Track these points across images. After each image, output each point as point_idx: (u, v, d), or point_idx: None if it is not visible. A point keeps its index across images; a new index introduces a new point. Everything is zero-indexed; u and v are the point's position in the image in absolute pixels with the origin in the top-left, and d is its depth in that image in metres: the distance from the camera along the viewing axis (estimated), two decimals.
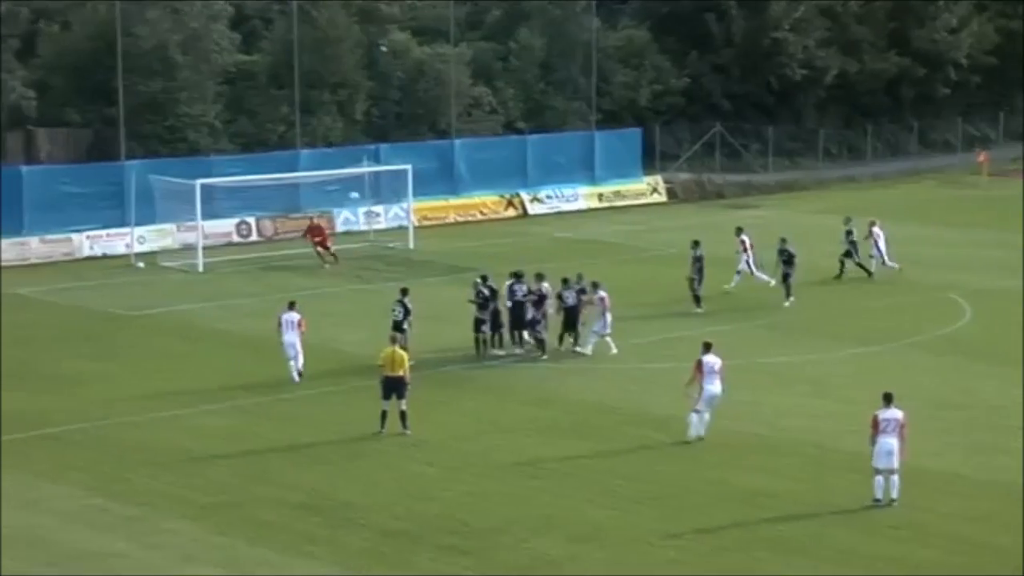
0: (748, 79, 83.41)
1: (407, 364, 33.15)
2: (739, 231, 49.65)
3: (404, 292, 39.57)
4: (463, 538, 27.13)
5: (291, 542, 26.90)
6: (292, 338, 37.85)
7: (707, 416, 32.57)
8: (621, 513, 28.44)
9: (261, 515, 28.29)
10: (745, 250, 48.87)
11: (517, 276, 41.20)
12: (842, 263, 51.37)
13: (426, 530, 27.50)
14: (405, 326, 38.32)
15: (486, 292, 40.77)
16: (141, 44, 64.65)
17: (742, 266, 48.69)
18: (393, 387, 32.94)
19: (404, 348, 34.08)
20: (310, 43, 68.59)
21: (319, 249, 55.25)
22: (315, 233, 55.85)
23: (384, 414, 32.99)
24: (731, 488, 29.82)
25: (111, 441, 33.09)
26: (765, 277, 48.28)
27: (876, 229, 51.88)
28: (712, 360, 32.83)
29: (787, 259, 47.46)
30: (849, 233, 51.53)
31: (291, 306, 38.48)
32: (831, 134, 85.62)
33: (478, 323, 40.68)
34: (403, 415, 32.94)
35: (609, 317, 40.30)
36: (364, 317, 46.03)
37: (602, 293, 40.44)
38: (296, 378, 37.77)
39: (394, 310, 38.87)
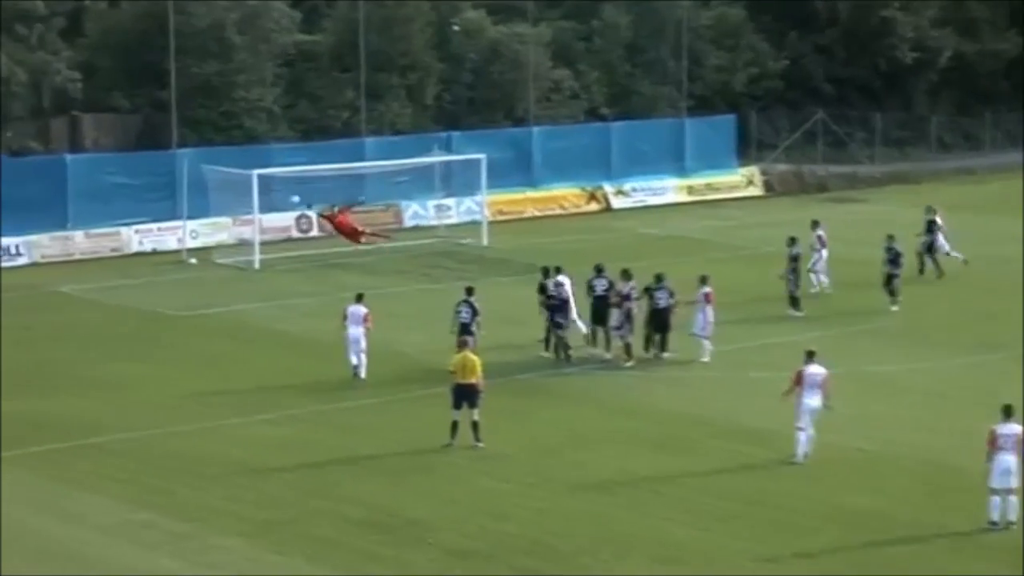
0: (853, 62, 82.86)
1: (480, 370, 33.11)
2: (815, 225, 49.33)
3: (470, 292, 39.57)
4: (540, 559, 27.03)
5: (352, 561, 26.91)
6: (357, 333, 38.42)
7: (811, 432, 32.25)
8: (709, 534, 28.25)
9: (320, 532, 28.31)
10: (822, 247, 48.64)
11: (598, 270, 41.30)
12: (922, 258, 51.39)
13: (500, 550, 27.42)
14: (473, 328, 38.30)
15: (554, 289, 40.88)
16: (195, 23, 65.07)
17: (816, 265, 48.59)
18: (465, 395, 32.87)
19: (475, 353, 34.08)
20: (377, 22, 68.76)
21: (363, 239, 55.11)
22: (345, 229, 55.01)
23: (455, 425, 32.93)
24: (831, 507, 29.55)
25: (158, 451, 33.25)
26: (824, 280, 48.46)
27: (938, 220, 51.95)
28: (815, 371, 32.42)
29: (893, 259, 47.13)
30: (932, 224, 51.71)
31: (359, 299, 39.09)
32: (944, 122, 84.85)
33: (556, 325, 40.56)
34: (475, 426, 32.89)
35: (710, 314, 40.21)
36: (432, 319, 45.95)
37: (707, 288, 40.37)
38: (361, 374, 38.35)
39: (460, 312, 38.87)
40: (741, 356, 40.92)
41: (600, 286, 40.81)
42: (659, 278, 40.82)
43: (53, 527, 28.47)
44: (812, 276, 48.37)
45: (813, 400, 32.22)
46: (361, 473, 31.71)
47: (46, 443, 33.49)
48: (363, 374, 38.65)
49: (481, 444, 32.82)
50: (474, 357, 33.34)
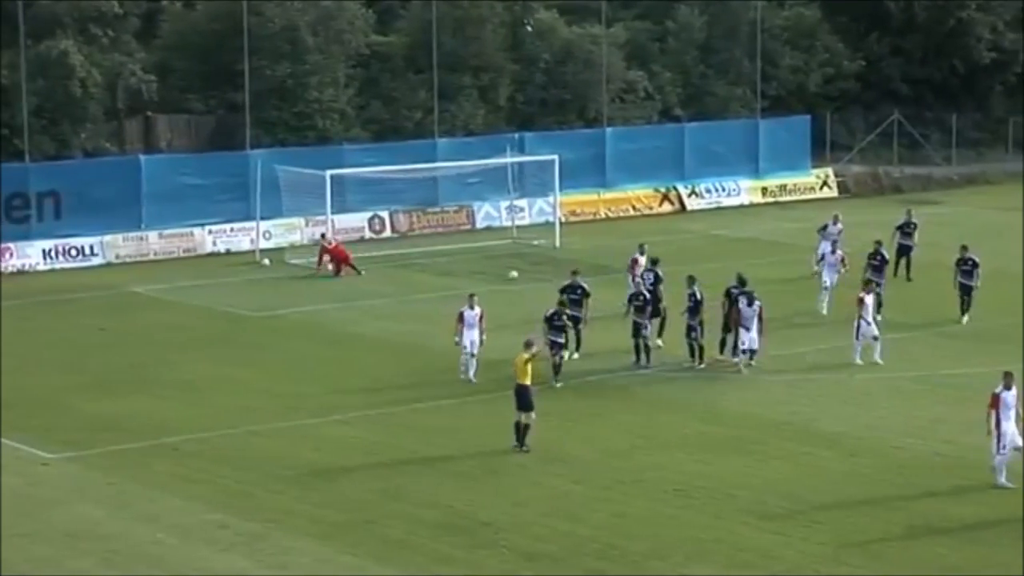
0: (930, 62, 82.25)
1: (528, 370, 32.97)
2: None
3: (576, 272, 41.18)
4: (612, 563, 26.99)
5: (425, 563, 26.95)
6: (472, 336, 38.48)
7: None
8: (788, 539, 28.10)
9: (393, 534, 28.38)
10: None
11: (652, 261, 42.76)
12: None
13: (572, 554, 27.39)
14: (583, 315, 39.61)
15: (647, 289, 40.77)
16: (269, 24, 65.38)
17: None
18: (517, 396, 33.07)
19: (533, 355, 33.48)
20: (450, 23, 68.86)
21: (341, 266, 53.64)
22: (337, 256, 54.06)
23: (517, 426, 33.04)
24: (916, 515, 29.32)
25: (233, 452, 33.43)
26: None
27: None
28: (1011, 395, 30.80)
29: (969, 268, 45.32)
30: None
31: (471, 301, 39.06)
32: (1021, 123, 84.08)
33: (637, 327, 40.36)
34: (525, 429, 32.89)
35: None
36: (505, 320, 46.01)
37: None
38: (472, 377, 38.45)
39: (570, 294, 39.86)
40: (815, 359, 40.65)
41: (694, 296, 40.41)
42: (743, 281, 40.49)
43: (128, 527, 28.66)
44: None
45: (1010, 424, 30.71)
46: (434, 475, 31.76)
47: (121, 443, 33.76)
48: (474, 377, 38.55)
49: (526, 448, 32.74)
50: (525, 356, 33.08)
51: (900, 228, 52.03)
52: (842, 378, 39.14)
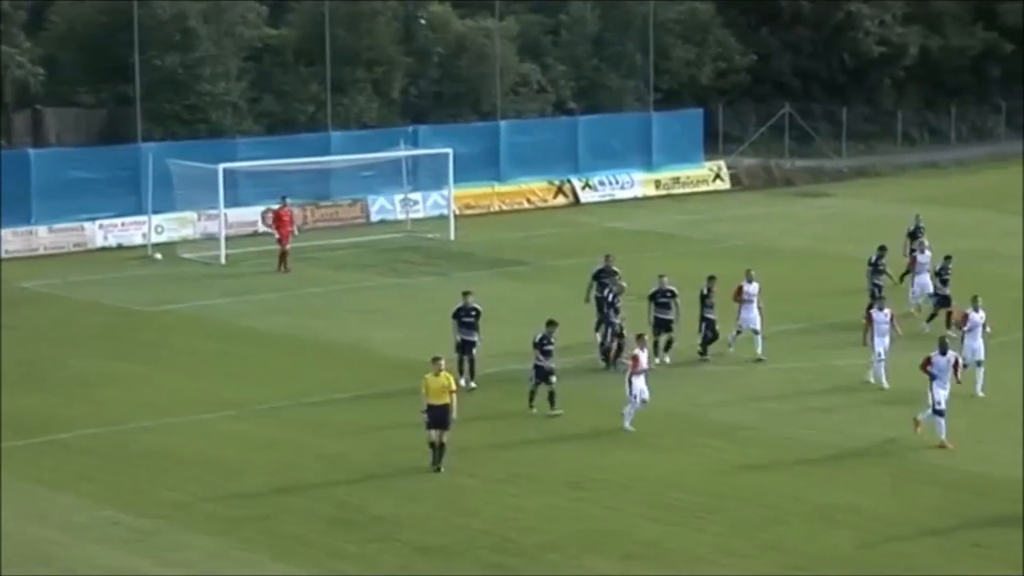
0: (819, 56, 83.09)
1: (443, 390, 31.33)
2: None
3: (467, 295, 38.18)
4: (508, 555, 27.00)
5: (318, 558, 26.83)
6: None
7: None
8: (680, 529, 28.25)
9: (287, 529, 28.24)
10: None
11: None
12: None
13: (467, 546, 27.38)
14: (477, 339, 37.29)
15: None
16: (158, 14, 64.79)
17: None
18: (433, 416, 31.34)
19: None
20: (342, 16, 68.62)
21: (281, 247, 52.80)
22: (281, 224, 53.45)
23: (432, 446, 31.46)
24: (804, 503, 29.58)
25: (125, 448, 33.11)
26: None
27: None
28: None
29: (946, 279, 43.86)
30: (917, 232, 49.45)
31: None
32: (910, 116, 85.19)
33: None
34: (441, 448, 31.49)
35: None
36: (399, 314, 46.01)
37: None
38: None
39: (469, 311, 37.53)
40: (710, 350, 40.85)
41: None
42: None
43: (18, 526, 28.26)
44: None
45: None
46: (328, 469, 31.62)
47: (10, 440, 33.28)
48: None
49: (442, 470, 31.38)
50: (438, 377, 31.42)
51: (911, 235, 49.60)
52: (738, 370, 39.39)
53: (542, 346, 35.51)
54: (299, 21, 70.82)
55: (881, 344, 37.35)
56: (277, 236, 53.25)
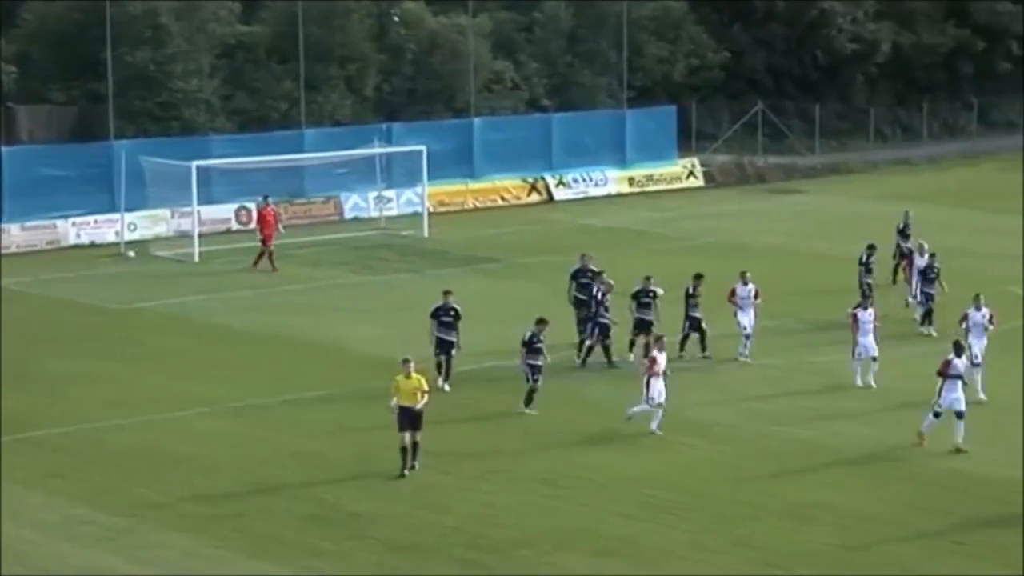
0: (792, 53, 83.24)
1: (415, 391, 31.09)
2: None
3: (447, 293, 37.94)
4: (481, 552, 27.05)
5: (293, 556, 26.84)
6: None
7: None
8: (653, 525, 28.34)
9: (262, 527, 28.23)
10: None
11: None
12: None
13: (441, 543, 27.42)
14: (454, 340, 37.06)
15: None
16: (130, 11, 64.61)
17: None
18: (407, 418, 31.10)
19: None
20: (315, 13, 68.52)
21: (264, 248, 52.53)
22: (264, 223, 53.21)
23: (403, 450, 31.18)
24: (776, 500, 29.68)
25: (98, 446, 33.05)
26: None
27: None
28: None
29: (935, 276, 43.52)
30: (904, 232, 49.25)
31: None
32: (883, 113, 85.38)
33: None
34: (415, 447, 31.23)
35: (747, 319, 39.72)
36: (373, 311, 46.01)
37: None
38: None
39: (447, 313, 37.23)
40: (690, 349, 40.91)
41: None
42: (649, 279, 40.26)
43: None
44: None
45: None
46: (303, 467, 31.62)
47: None
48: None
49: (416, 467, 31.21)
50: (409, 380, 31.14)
51: (900, 231, 49.46)
52: (711, 367, 39.46)
53: (531, 344, 35.37)
54: (272, 18, 70.70)
55: (864, 344, 37.11)
56: (261, 236, 53.00)
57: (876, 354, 37.16)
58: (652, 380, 33.57)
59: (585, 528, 28.14)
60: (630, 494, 29.97)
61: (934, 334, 41.92)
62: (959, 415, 32.16)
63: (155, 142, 60.49)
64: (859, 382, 37.29)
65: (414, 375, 31.05)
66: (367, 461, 31.80)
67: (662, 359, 34.02)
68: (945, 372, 32.25)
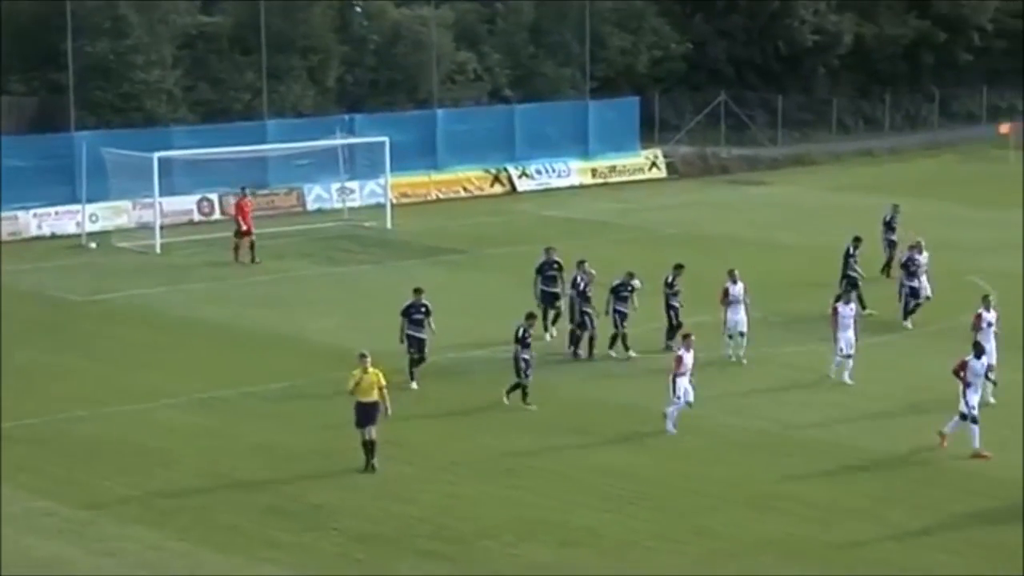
0: (755, 44, 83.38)
1: (373, 386, 30.82)
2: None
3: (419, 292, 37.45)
4: (445, 543, 27.07)
5: (256, 548, 26.80)
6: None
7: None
8: (615, 516, 28.40)
9: (224, 518, 28.20)
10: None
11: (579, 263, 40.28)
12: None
13: (404, 534, 27.43)
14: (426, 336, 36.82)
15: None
16: (88, 2, 64.27)
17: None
18: (365, 414, 30.90)
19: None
20: (277, 4, 68.33)
21: (243, 239, 52.30)
22: (244, 213, 52.84)
23: (365, 445, 30.94)
24: (737, 489, 29.79)
25: (60, 439, 32.95)
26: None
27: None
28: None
29: (915, 270, 43.09)
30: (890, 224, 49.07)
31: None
32: (845, 104, 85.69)
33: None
34: (373, 445, 30.96)
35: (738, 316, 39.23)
36: (336, 303, 45.96)
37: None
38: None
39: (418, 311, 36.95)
40: (646, 339, 40.95)
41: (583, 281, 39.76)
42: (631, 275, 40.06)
43: None
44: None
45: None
46: (265, 459, 31.58)
47: None
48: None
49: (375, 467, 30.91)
50: (369, 374, 30.86)
51: (887, 224, 49.28)
52: (668, 358, 39.50)
53: (524, 339, 35.25)
54: (234, 9, 70.46)
55: (844, 339, 36.76)
56: (243, 227, 52.61)
57: (852, 351, 36.74)
58: (678, 379, 33.19)
59: (548, 519, 28.18)
60: (593, 485, 30.03)
61: (908, 325, 42.11)
62: (974, 420, 31.26)
63: (116, 133, 60.31)
64: (834, 376, 37.05)
65: (371, 369, 30.80)
66: (329, 453, 31.77)
67: (688, 358, 33.58)
68: (963, 373, 31.27)
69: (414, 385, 36.48)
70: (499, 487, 29.96)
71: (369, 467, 30.69)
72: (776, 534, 27.48)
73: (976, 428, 31.34)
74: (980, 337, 34.72)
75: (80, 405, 35.20)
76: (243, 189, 54.46)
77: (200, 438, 33.08)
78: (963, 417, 31.40)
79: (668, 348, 39.71)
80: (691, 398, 33.35)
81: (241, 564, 26.17)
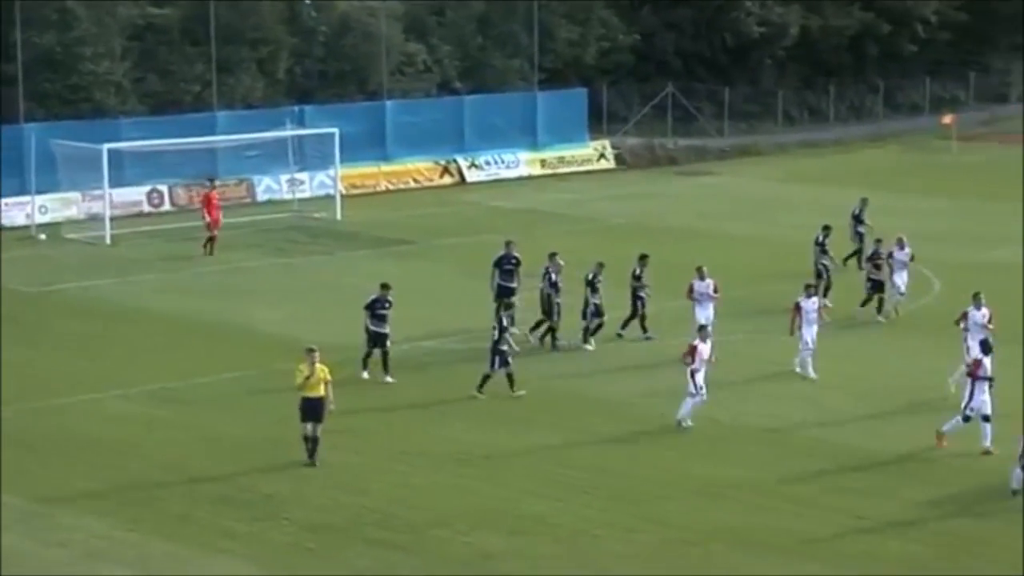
0: (702, 36, 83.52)
1: (320, 382, 30.55)
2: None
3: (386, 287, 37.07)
4: (395, 532, 27.05)
5: (207, 538, 26.73)
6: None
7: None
8: (566, 504, 28.44)
9: (175, 508, 28.11)
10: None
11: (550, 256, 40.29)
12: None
13: (355, 524, 27.40)
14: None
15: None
16: None
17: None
18: (312, 409, 30.62)
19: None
20: None
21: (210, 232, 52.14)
22: (211, 206, 52.63)
23: (306, 439, 30.68)
24: (688, 478, 29.87)
25: (9, 430, 32.71)
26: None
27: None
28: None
29: (879, 263, 42.89)
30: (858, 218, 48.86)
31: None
32: (790, 95, 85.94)
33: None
34: (315, 441, 30.66)
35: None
36: (286, 294, 45.84)
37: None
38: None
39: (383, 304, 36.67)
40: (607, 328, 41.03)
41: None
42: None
43: None
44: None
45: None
46: (216, 449, 31.49)
47: None
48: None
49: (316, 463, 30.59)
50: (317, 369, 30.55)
51: (855, 217, 49.03)
52: (618, 347, 39.61)
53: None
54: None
55: (809, 333, 36.52)
56: (209, 219, 52.20)
57: (814, 346, 36.60)
58: (696, 373, 33.00)
59: (499, 507, 28.20)
60: (542, 472, 30.08)
61: (881, 319, 42.17)
62: (986, 418, 30.91)
63: (65, 125, 59.88)
64: (799, 370, 36.86)
65: (318, 365, 30.55)
66: (280, 443, 31.67)
67: (704, 350, 33.44)
68: (976, 373, 30.98)
69: (388, 378, 36.22)
70: (451, 476, 29.96)
71: (311, 463, 30.44)
72: (728, 523, 27.55)
73: (988, 426, 30.92)
74: (971, 336, 34.62)
75: (30, 396, 34.98)
76: (211, 180, 54.23)
77: (150, 429, 32.95)
78: (965, 420, 31.11)
79: (619, 336, 39.84)
80: (704, 392, 33.08)
81: (192, 554, 26.09)
